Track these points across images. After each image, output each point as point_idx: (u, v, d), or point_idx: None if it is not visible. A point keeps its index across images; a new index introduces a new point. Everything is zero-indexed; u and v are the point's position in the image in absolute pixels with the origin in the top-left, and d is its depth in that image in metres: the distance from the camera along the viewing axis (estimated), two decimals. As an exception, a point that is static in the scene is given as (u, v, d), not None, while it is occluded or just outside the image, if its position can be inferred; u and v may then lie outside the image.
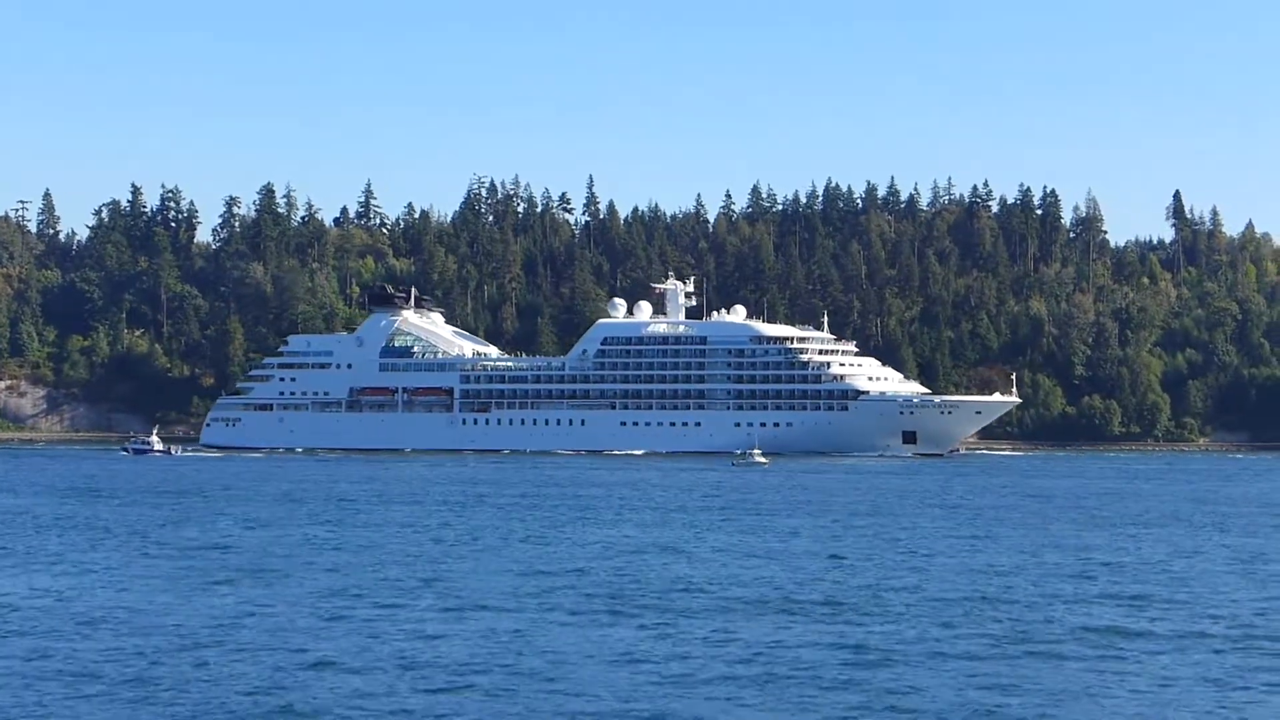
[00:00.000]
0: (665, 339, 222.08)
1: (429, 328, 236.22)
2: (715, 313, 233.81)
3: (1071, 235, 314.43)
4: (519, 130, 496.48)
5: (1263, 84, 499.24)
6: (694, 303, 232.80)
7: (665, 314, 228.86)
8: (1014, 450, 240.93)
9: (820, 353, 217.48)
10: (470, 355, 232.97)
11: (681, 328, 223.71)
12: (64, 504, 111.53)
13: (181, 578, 66.84)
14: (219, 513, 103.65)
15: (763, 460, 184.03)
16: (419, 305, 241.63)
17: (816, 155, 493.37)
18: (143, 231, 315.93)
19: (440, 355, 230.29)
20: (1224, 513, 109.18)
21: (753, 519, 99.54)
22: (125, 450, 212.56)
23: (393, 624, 53.54)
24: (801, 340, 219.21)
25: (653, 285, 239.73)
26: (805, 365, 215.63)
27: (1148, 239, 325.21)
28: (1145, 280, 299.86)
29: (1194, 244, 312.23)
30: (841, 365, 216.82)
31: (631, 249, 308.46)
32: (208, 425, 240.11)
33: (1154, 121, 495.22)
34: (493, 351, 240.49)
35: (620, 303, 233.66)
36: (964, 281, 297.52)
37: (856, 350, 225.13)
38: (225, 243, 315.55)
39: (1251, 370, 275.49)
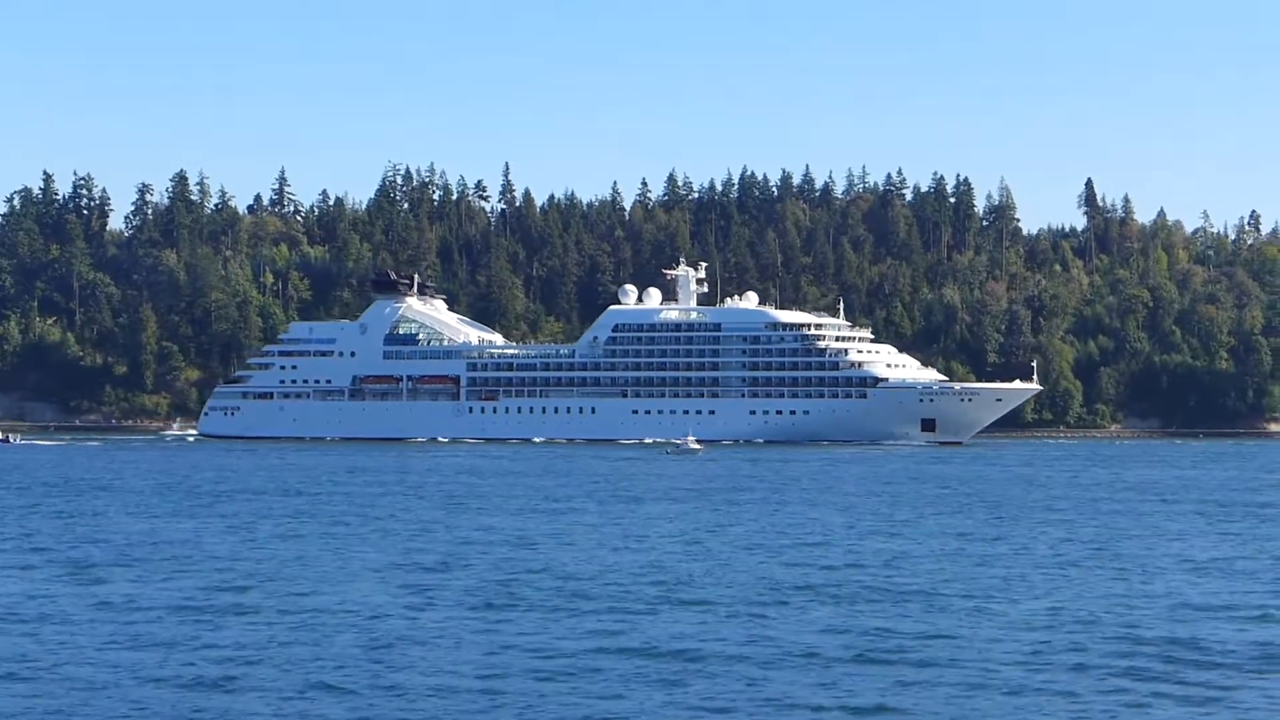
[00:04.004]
0: (678, 326, 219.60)
1: (433, 314, 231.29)
2: (728, 299, 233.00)
3: (984, 223, 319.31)
4: (434, 117, 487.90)
5: (1173, 72, 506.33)
6: (706, 289, 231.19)
7: (677, 300, 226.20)
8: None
9: (837, 339, 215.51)
10: (476, 342, 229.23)
11: (694, 314, 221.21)
12: None
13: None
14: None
15: (697, 447, 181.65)
16: (422, 292, 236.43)
17: (732, 144, 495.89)
18: (55, 219, 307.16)
19: (446, 342, 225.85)
20: None
21: (621, 506, 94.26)
22: None
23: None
24: (818, 327, 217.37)
25: (664, 271, 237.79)
26: (822, 352, 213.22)
27: (1060, 227, 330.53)
28: (1057, 267, 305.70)
29: (1106, 232, 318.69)
30: (859, 352, 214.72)
31: (548, 237, 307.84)
32: (206, 414, 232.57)
33: (1066, 110, 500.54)
34: (498, 339, 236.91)
35: (631, 289, 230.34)
36: (878, 269, 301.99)
37: (873, 337, 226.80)
38: (138, 230, 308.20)
39: (1163, 357, 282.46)
